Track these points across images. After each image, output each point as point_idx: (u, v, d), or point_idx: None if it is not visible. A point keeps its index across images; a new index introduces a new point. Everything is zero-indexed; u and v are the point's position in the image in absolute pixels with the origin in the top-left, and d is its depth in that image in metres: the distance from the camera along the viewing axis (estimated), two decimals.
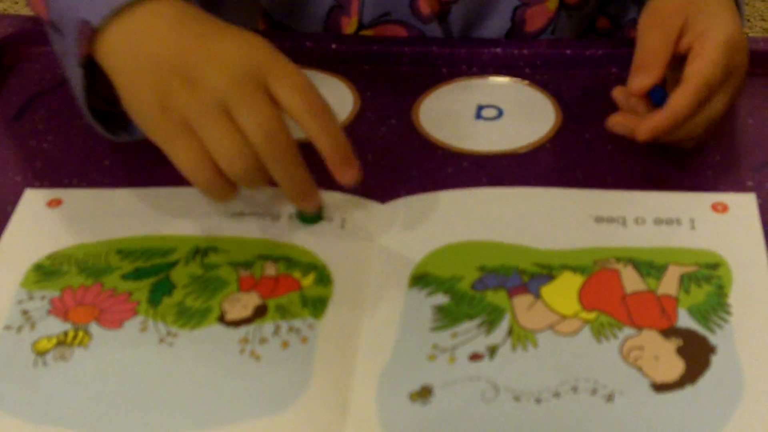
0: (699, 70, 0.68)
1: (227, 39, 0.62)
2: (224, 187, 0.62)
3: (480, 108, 0.79)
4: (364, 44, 0.84)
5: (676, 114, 0.68)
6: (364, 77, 0.82)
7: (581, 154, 0.75)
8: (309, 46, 0.83)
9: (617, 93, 0.73)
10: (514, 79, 0.81)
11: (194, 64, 0.60)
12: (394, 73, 0.82)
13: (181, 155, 0.61)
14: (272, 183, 0.63)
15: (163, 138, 0.62)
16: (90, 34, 0.63)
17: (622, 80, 0.81)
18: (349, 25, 0.86)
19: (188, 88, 0.60)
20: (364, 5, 0.85)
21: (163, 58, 0.61)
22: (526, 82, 0.81)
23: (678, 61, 0.71)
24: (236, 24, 0.66)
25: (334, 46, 0.83)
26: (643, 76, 0.70)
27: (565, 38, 0.87)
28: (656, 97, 0.71)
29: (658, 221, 0.68)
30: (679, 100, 0.68)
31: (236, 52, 0.61)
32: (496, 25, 0.87)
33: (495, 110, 0.78)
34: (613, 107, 0.78)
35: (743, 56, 0.72)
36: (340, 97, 0.80)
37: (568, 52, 0.82)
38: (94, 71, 0.66)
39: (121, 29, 0.63)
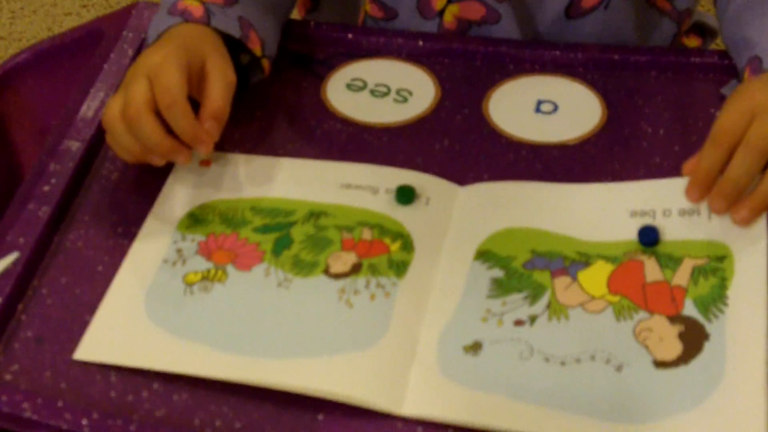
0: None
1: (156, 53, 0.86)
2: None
3: (539, 102, 0.94)
4: (446, 42, 0.98)
5: (703, 167, 0.78)
6: (445, 70, 0.97)
7: (621, 149, 0.89)
8: (400, 42, 0.98)
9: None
10: (569, 77, 0.96)
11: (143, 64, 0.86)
12: (470, 68, 0.97)
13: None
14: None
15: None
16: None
17: (660, 83, 0.96)
18: (439, 0, 1.00)
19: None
20: None
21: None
22: (579, 80, 0.96)
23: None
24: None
25: (420, 42, 0.98)
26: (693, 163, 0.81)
27: (613, 45, 0.99)
28: (647, 236, 0.79)
29: (682, 212, 0.79)
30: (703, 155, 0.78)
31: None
32: (557, 1, 0.99)
33: (551, 105, 0.94)
34: (652, 107, 0.93)
35: None
36: (424, 87, 0.96)
37: (615, 57, 0.97)
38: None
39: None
